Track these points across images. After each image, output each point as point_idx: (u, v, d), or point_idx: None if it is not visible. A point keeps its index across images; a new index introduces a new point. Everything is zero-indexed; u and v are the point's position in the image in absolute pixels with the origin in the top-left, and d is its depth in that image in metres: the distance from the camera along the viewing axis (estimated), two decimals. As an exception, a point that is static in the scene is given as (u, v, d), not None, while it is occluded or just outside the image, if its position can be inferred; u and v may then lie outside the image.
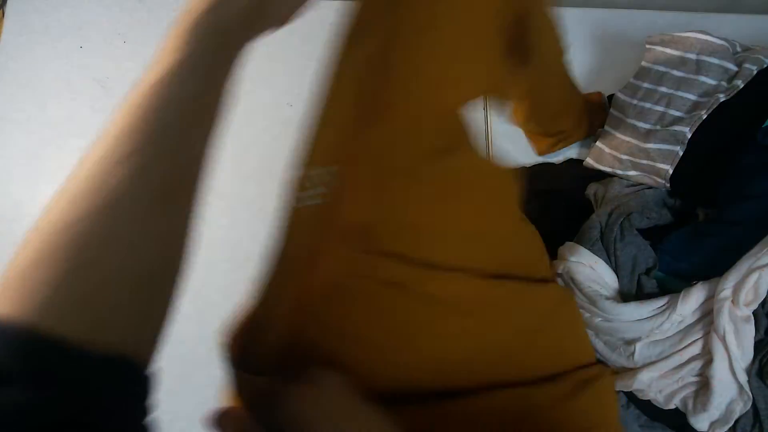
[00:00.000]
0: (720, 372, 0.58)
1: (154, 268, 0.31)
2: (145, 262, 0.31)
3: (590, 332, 0.68)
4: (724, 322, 0.58)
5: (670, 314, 0.61)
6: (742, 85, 0.65)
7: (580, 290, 0.65)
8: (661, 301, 0.63)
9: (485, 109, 0.85)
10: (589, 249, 0.66)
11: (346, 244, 0.44)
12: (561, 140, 0.79)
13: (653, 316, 0.62)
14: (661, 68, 0.70)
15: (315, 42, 0.84)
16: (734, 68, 0.67)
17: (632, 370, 0.65)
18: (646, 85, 0.71)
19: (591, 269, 0.66)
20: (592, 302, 0.64)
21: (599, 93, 0.82)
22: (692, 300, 0.61)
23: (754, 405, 0.59)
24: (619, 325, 0.63)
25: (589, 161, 0.75)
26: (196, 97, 0.34)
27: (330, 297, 0.44)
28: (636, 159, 0.70)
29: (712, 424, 0.61)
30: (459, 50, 0.46)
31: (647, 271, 0.66)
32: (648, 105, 0.70)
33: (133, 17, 0.82)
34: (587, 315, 0.65)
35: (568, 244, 0.69)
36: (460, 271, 0.46)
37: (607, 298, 0.65)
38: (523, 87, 0.68)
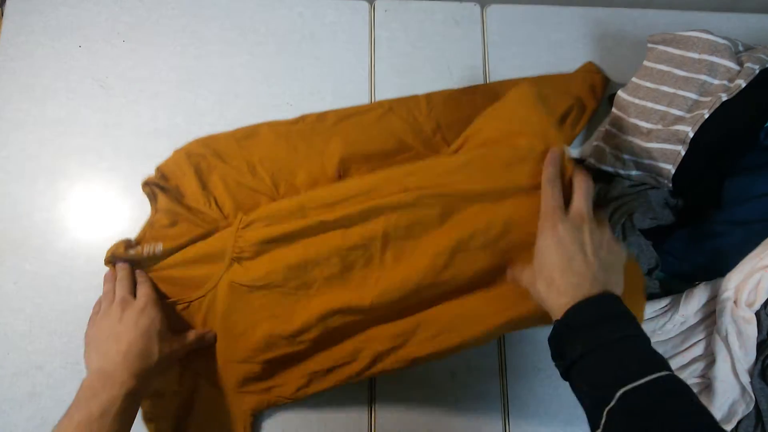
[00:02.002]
0: (722, 373, 0.58)
1: None
2: None
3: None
4: (727, 322, 0.58)
5: (672, 315, 0.61)
6: (744, 85, 0.65)
7: (582, 291, 0.65)
8: (663, 302, 0.62)
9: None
10: (590, 249, 0.66)
11: None
12: (572, 121, 0.79)
13: (656, 316, 0.62)
14: (663, 67, 0.70)
15: (315, 42, 0.84)
16: (736, 67, 0.66)
17: (634, 371, 0.64)
18: (647, 84, 0.71)
19: (593, 270, 0.65)
20: (594, 303, 0.64)
21: (588, 62, 0.84)
22: (695, 301, 0.61)
23: (756, 406, 0.59)
24: (621, 325, 0.63)
25: (591, 161, 0.75)
26: None
27: None
28: (638, 158, 0.70)
29: (715, 425, 0.61)
30: None
31: (649, 272, 0.66)
32: (650, 104, 0.70)
33: (133, 17, 0.82)
34: (589, 315, 0.65)
35: (570, 244, 0.68)
36: None
37: (609, 299, 0.65)
38: None
